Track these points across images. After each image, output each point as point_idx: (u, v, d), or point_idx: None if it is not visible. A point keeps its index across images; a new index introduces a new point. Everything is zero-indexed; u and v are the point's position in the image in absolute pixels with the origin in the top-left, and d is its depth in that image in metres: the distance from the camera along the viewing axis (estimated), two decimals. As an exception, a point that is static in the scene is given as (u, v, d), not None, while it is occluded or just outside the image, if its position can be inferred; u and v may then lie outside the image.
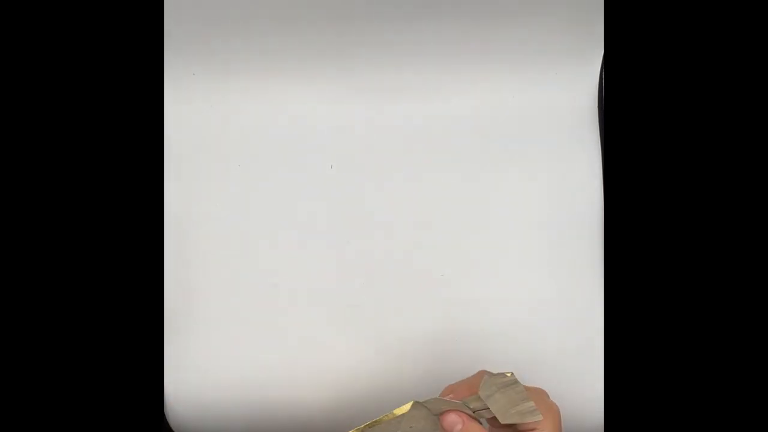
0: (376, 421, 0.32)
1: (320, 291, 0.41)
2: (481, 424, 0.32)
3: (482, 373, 0.34)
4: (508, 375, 0.33)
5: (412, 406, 0.32)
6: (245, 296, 0.41)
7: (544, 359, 0.40)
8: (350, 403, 0.41)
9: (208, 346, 0.41)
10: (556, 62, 0.41)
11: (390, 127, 0.42)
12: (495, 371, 0.34)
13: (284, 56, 0.41)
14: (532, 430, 0.32)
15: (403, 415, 0.32)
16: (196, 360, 0.41)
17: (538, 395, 0.34)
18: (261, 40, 0.40)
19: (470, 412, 0.33)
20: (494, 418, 0.33)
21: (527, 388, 0.33)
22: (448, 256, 0.41)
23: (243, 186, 0.41)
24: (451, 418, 0.31)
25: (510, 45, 0.40)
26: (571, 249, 0.41)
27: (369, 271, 0.41)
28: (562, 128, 0.42)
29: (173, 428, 0.42)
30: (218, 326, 0.41)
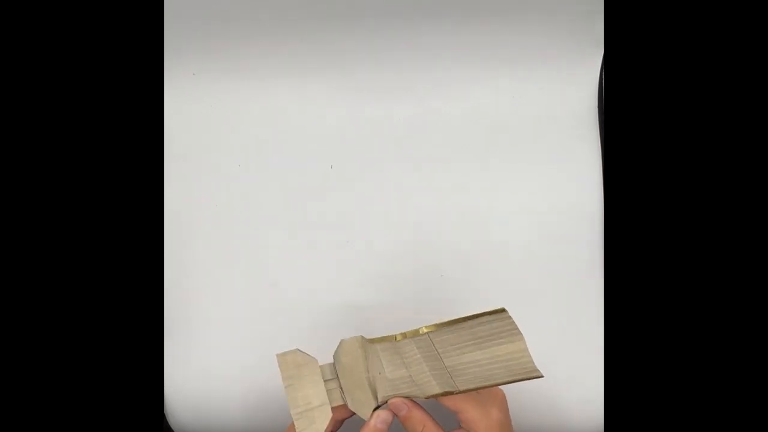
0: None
1: (320, 291, 0.41)
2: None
3: None
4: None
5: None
6: (245, 296, 0.41)
7: (543, 359, 0.39)
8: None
9: (207, 346, 0.41)
10: (556, 62, 0.41)
11: (390, 126, 0.42)
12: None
13: (284, 56, 0.41)
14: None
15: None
16: (196, 360, 0.41)
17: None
18: (261, 40, 0.40)
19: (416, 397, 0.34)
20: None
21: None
22: (448, 256, 0.41)
23: (243, 186, 0.41)
24: (397, 403, 0.35)
25: (510, 45, 0.40)
26: (571, 248, 0.41)
27: (369, 270, 0.41)
28: (562, 128, 0.42)
29: (173, 428, 0.42)
30: (218, 326, 0.41)
